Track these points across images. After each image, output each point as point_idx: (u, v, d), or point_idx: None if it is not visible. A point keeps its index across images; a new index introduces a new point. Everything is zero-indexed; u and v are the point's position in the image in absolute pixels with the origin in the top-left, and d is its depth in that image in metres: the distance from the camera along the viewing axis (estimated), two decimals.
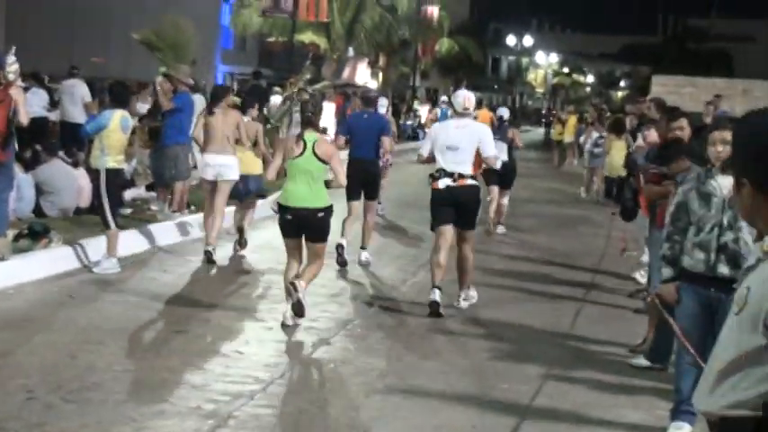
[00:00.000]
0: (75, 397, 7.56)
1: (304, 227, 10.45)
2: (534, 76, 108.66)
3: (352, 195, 14.11)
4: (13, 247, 11.92)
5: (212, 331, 10.01)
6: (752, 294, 3.07)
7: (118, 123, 12.35)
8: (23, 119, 11.44)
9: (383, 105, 16.43)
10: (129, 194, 16.65)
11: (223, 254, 13.90)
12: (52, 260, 12.07)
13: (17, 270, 11.36)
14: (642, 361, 9.64)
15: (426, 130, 46.88)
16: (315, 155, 10.31)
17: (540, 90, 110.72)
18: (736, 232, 7.08)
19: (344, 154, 13.44)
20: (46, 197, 14.56)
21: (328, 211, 10.45)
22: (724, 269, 7.11)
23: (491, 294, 12.57)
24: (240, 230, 14.39)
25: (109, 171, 12.31)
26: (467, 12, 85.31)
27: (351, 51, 52.33)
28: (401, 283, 13.16)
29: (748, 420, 3.03)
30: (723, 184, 7.11)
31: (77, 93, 21.28)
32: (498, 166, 12.76)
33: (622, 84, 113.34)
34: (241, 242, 14.31)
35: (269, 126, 20.20)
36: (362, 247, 14.28)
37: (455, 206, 11.47)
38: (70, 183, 14.82)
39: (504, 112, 19.18)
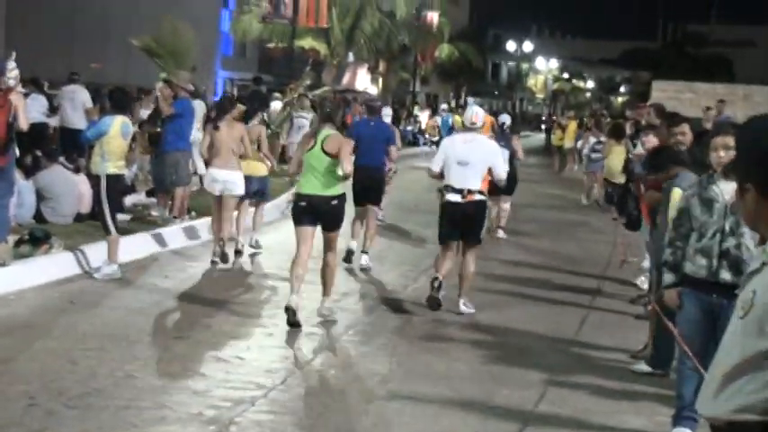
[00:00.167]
0: (76, 403, 7.55)
1: (318, 215, 10.71)
2: (534, 82, 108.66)
3: (358, 201, 14.33)
4: (13, 253, 11.91)
5: (213, 337, 10.00)
6: (758, 298, 3.06)
7: (118, 129, 12.34)
8: (23, 124, 11.44)
9: (387, 115, 16.64)
10: (129, 200, 16.66)
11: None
12: (53, 266, 12.05)
13: (18, 276, 11.34)
14: (643, 367, 9.63)
15: (427, 135, 47.18)
16: (323, 150, 10.56)
17: (540, 96, 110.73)
18: (738, 238, 7.07)
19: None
20: (46, 203, 14.54)
21: (341, 199, 10.76)
22: (726, 275, 7.10)
23: (492, 300, 12.57)
24: (232, 238, 14.32)
25: (109, 177, 12.29)
26: (466, 18, 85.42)
27: (351, 57, 52.31)
28: (403, 289, 13.16)
29: (756, 425, 3.02)
30: (725, 189, 7.10)
31: (78, 98, 21.24)
32: (503, 178, 12.76)
33: (623, 89, 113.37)
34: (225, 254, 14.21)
35: (269, 132, 20.19)
36: (364, 252, 14.36)
37: (462, 220, 11.70)
38: (70, 188, 14.81)
39: (506, 119, 19.18)
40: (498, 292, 13.23)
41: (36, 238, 12.45)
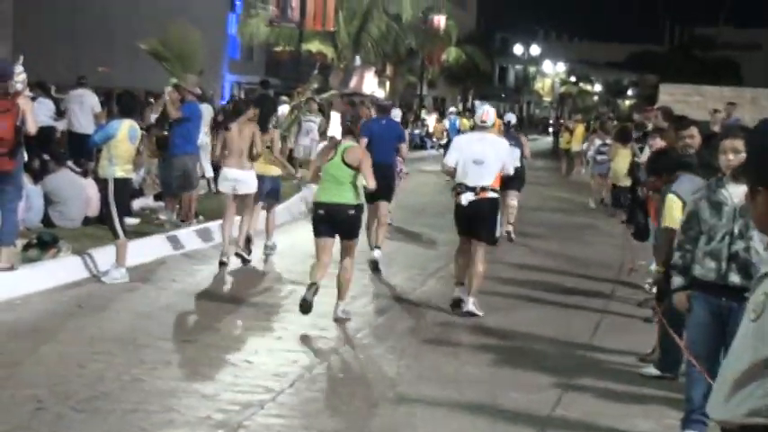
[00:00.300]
0: (84, 407, 7.54)
1: (335, 223, 10.97)
2: (541, 85, 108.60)
3: (369, 198, 14.34)
4: (22, 257, 11.93)
5: (222, 340, 9.99)
6: None
7: (126, 133, 12.35)
8: (32, 128, 11.45)
9: (397, 116, 16.78)
10: (137, 204, 16.65)
11: (233, 263, 13.88)
12: (61, 270, 12.05)
13: (26, 280, 11.35)
14: (652, 370, 9.61)
15: (434, 139, 47.19)
16: (343, 161, 10.91)
17: (547, 99, 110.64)
18: (747, 241, 7.04)
19: None
20: (54, 207, 14.55)
21: (359, 209, 11.13)
22: (735, 278, 7.08)
23: (500, 303, 12.55)
24: (248, 239, 14.48)
25: (117, 181, 12.30)
26: (473, 21, 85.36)
27: (358, 60, 52.31)
28: (411, 292, 13.14)
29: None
30: (734, 192, 7.07)
31: (87, 102, 21.24)
32: (512, 172, 12.96)
33: (630, 92, 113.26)
34: (249, 248, 14.42)
35: None
36: (377, 247, 14.52)
37: (475, 218, 11.88)
38: (78, 192, 14.81)
39: (511, 117, 19.38)
40: (506, 295, 13.21)
41: (44, 242, 12.46)
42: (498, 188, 12.31)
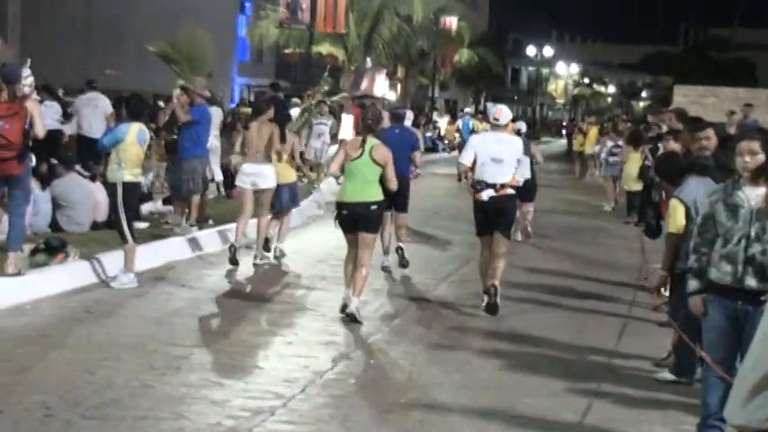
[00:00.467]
0: (93, 413, 7.48)
1: (358, 219, 11.31)
2: (555, 87, 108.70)
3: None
4: (29, 262, 11.87)
5: (231, 346, 9.93)
6: None
7: (134, 137, 12.28)
8: (40, 131, 11.39)
9: (409, 118, 16.93)
10: (146, 208, 16.61)
11: (243, 267, 13.83)
12: (69, 275, 11.99)
13: (34, 285, 11.28)
14: (667, 375, 9.52)
15: (446, 141, 47.14)
16: (372, 159, 11.26)
17: (560, 101, 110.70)
18: (763, 244, 6.94)
19: None
20: (62, 211, 14.49)
21: (381, 204, 11.46)
22: (751, 281, 6.97)
23: (512, 307, 12.46)
24: (267, 240, 14.79)
25: (126, 184, 12.23)
26: (486, 23, 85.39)
27: (369, 62, 52.25)
28: (422, 297, 13.08)
29: None
30: (751, 195, 6.98)
31: (100, 106, 21.14)
32: (521, 183, 13.21)
33: (644, 94, 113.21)
34: (268, 247, 14.79)
35: None
36: (397, 250, 14.77)
37: (495, 213, 12.15)
38: (86, 196, 14.75)
39: (522, 126, 19.30)
40: (519, 299, 13.12)
41: (52, 247, 12.40)
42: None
